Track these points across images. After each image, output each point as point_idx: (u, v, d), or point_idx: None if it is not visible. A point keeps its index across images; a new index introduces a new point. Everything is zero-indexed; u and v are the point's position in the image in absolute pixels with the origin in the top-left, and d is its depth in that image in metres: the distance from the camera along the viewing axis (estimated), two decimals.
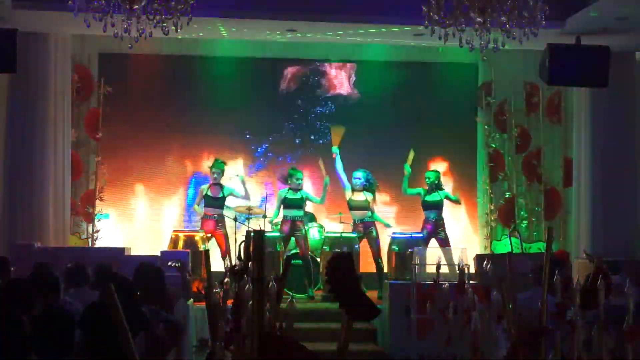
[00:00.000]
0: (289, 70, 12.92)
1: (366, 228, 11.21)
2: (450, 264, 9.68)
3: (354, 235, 11.17)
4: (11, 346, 3.97)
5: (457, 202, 11.59)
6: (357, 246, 11.00)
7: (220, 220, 11.15)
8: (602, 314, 3.78)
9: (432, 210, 11.26)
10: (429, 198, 11.29)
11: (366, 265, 11.33)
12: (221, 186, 11.21)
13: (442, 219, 11.31)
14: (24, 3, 9.81)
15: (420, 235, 11.22)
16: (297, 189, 11.11)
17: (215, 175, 11.17)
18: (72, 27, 10.64)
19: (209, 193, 11.18)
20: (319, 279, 11.05)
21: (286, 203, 11.09)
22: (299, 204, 11.08)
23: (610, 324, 3.98)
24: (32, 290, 5.19)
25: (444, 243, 11.08)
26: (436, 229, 11.21)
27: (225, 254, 10.91)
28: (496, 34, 7.58)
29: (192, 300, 8.71)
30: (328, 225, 12.13)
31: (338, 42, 11.96)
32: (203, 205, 11.23)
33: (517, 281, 3.91)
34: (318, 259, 11.25)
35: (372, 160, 12.24)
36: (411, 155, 11.37)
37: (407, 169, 11.31)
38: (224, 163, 11.36)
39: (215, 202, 11.16)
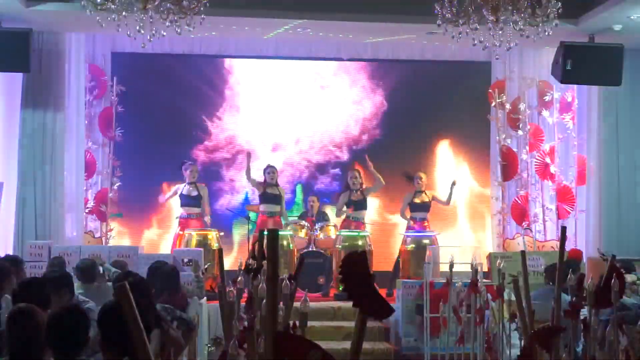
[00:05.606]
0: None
1: None
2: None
3: (367, 233, 11.18)
4: (27, 343, 4.00)
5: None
6: (370, 245, 10.99)
7: None
8: (616, 312, 3.78)
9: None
10: (417, 199, 11.43)
11: (379, 264, 11.32)
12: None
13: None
14: (37, 3, 9.85)
15: (433, 234, 11.22)
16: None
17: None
18: (86, 27, 10.68)
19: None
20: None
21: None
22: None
23: (623, 323, 3.98)
24: (47, 288, 5.22)
25: None
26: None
27: None
28: (509, 32, 7.57)
29: (205, 298, 8.74)
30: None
31: (350, 40, 11.94)
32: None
33: (530, 280, 3.90)
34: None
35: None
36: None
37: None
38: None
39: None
